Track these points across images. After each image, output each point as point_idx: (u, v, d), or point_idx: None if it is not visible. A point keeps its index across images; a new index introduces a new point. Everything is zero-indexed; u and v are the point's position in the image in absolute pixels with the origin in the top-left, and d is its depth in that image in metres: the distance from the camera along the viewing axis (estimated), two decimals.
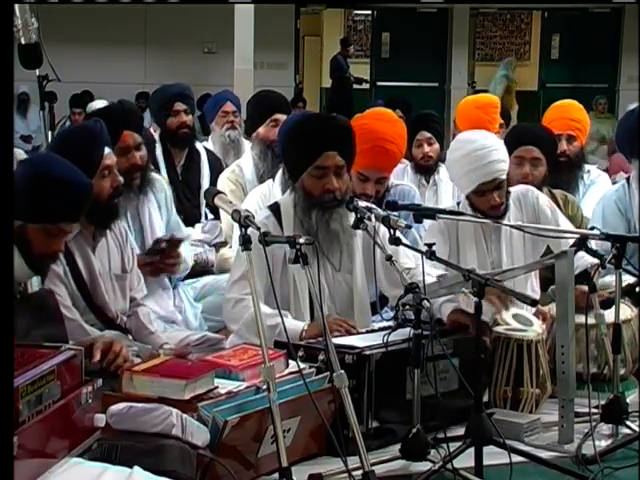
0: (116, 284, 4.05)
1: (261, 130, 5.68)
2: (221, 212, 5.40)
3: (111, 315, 3.99)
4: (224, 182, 5.61)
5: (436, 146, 6.24)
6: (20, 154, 7.59)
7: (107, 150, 3.95)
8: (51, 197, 3.35)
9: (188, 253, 4.79)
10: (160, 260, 4.50)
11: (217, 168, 5.93)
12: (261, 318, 3.13)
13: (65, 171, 3.43)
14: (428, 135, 6.19)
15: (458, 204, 4.54)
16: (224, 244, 5.48)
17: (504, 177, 4.35)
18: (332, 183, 4.04)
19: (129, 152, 4.44)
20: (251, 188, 5.48)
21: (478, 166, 4.29)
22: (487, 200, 4.33)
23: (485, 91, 14.37)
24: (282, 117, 5.58)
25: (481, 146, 4.32)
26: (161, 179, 4.94)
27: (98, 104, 10.25)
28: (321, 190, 4.05)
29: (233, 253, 5.21)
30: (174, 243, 4.53)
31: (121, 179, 3.98)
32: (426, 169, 6.22)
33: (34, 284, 3.54)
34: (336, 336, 3.89)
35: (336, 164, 4.06)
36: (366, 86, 17.62)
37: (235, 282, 4.01)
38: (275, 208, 4.21)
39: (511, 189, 4.50)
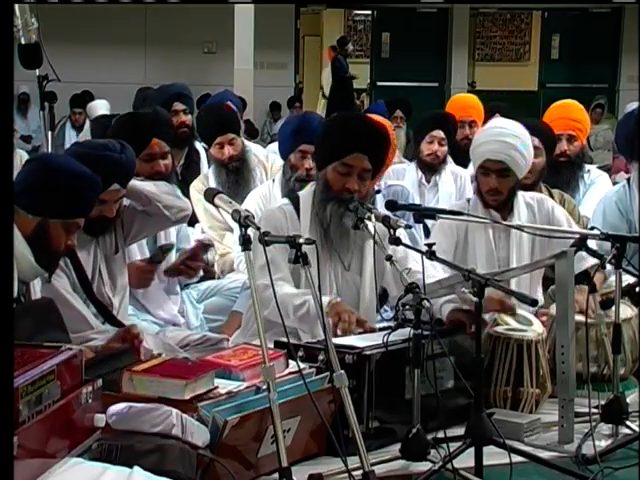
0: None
1: (211, 150, 5.64)
2: (197, 211, 5.35)
3: (108, 304, 4.03)
4: (192, 191, 5.52)
5: (445, 148, 6.26)
6: (22, 155, 7.63)
7: (115, 187, 3.88)
8: (75, 193, 3.41)
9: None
10: (185, 263, 4.51)
11: None
12: (261, 318, 3.12)
13: (80, 168, 3.49)
14: (442, 135, 6.23)
15: (468, 200, 4.57)
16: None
17: (511, 167, 4.35)
18: (352, 184, 4.07)
19: (154, 160, 4.51)
20: None
21: (490, 141, 4.39)
22: (487, 182, 4.39)
23: (485, 91, 14.36)
24: (224, 139, 5.49)
25: (503, 127, 4.43)
26: (179, 190, 4.96)
27: (98, 104, 10.29)
28: (341, 187, 4.08)
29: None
30: (203, 247, 4.57)
31: (112, 213, 3.93)
32: (429, 167, 6.22)
33: (37, 287, 3.54)
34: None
35: (363, 167, 4.09)
36: (364, 86, 17.63)
37: (261, 268, 3.71)
38: (295, 198, 4.27)
39: (525, 193, 4.53)
